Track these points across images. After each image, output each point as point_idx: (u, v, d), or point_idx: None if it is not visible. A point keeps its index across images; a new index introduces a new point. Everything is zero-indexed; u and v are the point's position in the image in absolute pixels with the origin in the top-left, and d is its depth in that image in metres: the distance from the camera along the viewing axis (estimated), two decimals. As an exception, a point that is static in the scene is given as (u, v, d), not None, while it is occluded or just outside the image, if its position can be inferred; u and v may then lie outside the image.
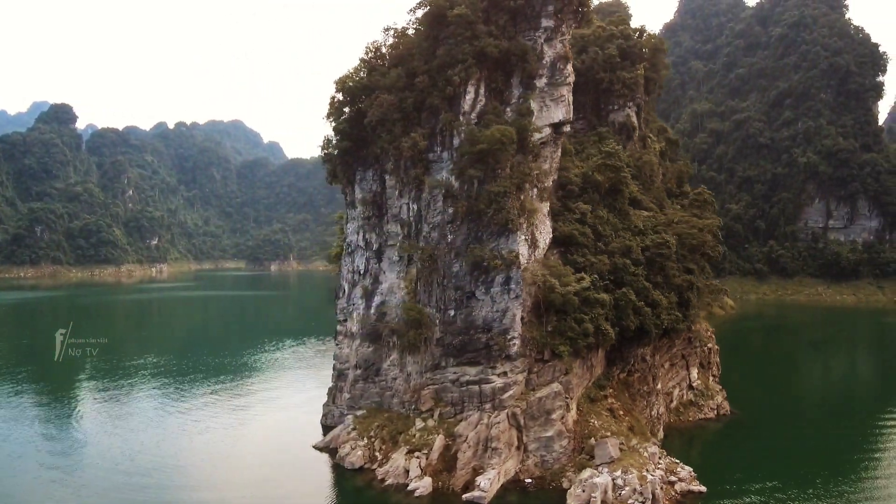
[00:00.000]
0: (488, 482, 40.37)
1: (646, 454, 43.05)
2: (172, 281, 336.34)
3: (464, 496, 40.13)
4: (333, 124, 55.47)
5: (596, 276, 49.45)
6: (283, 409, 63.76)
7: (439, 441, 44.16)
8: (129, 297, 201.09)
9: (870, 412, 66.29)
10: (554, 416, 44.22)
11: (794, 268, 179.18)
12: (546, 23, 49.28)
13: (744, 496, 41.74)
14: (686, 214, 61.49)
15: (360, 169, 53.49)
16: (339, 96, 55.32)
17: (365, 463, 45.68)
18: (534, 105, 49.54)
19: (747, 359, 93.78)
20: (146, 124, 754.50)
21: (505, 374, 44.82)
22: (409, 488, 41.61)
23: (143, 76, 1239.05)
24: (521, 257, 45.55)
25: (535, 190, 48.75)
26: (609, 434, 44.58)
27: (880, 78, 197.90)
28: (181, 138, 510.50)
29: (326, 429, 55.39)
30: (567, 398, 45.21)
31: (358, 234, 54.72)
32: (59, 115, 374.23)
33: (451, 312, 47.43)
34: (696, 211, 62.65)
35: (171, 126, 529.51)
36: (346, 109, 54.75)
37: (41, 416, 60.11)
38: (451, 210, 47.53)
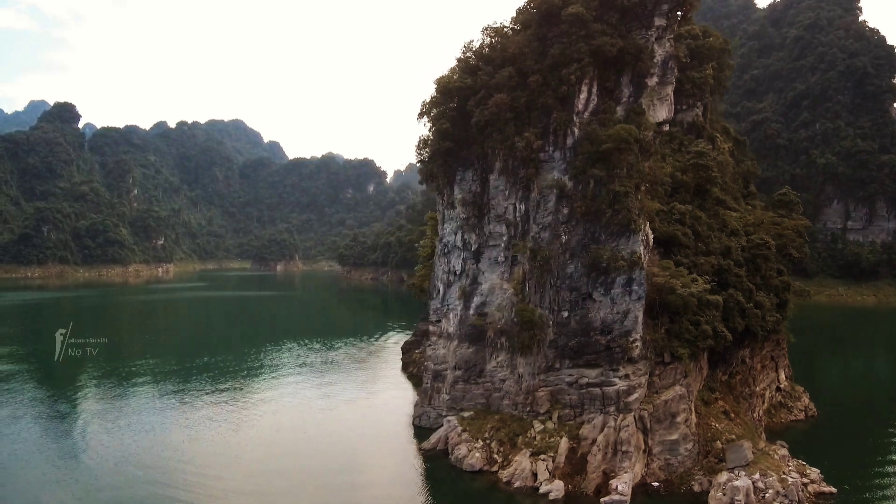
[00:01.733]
0: (626, 485, 40.07)
1: (776, 456, 42.95)
2: (179, 281, 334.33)
3: (602, 500, 39.77)
4: (429, 125, 54.98)
5: (705, 276, 49.40)
6: (364, 410, 63.04)
7: (564, 444, 43.79)
8: (144, 298, 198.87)
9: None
10: (679, 418, 44.00)
11: (814, 268, 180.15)
12: (659, 21, 49.19)
13: (871, 493, 41.89)
14: (774, 215, 61.56)
15: (460, 169, 53.03)
16: (435, 96, 54.94)
17: (484, 465, 45.33)
18: (644, 104, 49.42)
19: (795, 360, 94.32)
20: (143, 123, 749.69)
21: (627, 376, 44.53)
22: (540, 491, 41.25)
23: (138, 75, 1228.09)
24: (642, 258, 45.35)
25: (644, 189, 48.61)
26: (734, 437, 44.48)
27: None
28: (183, 137, 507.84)
29: (421, 430, 55.12)
30: (689, 401, 45.06)
31: (456, 234, 54.25)
32: (62, 114, 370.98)
33: (566, 314, 47.10)
34: (783, 211, 62.76)
35: (171, 125, 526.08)
36: (442, 110, 54.47)
37: (96, 411, 59.03)
38: (565, 210, 47.22)
